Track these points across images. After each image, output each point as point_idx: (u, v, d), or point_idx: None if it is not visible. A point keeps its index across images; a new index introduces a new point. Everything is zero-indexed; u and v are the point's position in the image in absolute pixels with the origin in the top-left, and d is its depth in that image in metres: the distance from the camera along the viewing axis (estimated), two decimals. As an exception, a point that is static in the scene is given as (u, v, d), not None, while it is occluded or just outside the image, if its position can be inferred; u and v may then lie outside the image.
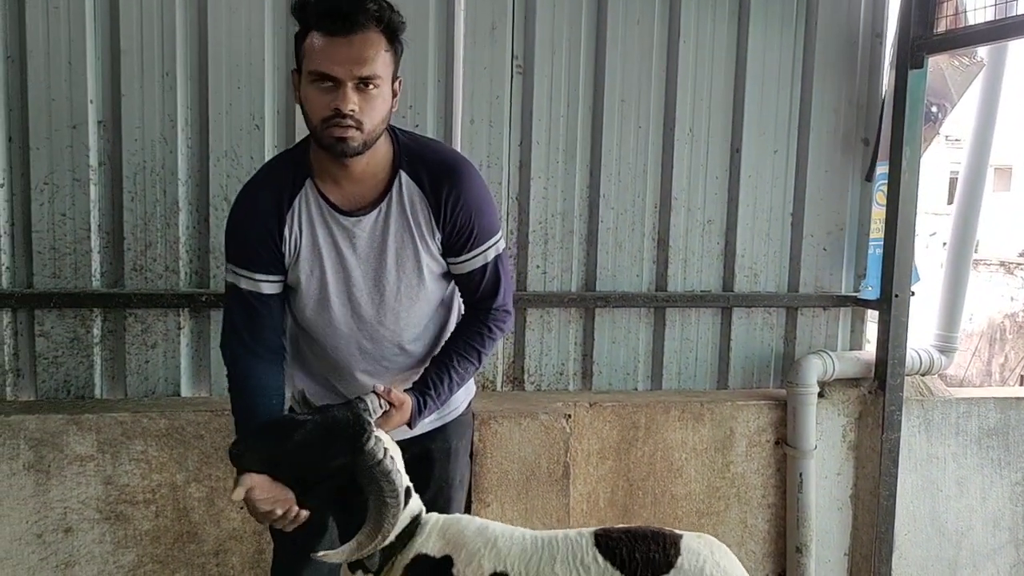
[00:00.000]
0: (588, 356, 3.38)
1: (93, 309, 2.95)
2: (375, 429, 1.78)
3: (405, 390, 2.00)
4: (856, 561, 3.55)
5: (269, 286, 2.03)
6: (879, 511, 3.39)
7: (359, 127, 1.84)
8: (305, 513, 1.83)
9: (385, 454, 1.74)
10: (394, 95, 1.93)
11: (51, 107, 2.85)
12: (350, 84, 1.81)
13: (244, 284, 2.02)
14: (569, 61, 3.23)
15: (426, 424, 2.13)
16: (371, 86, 1.84)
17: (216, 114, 2.97)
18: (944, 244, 3.81)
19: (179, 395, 3.03)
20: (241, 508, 2.92)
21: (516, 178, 3.25)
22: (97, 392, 2.98)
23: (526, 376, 3.33)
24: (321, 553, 1.76)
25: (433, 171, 2.01)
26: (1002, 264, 12.57)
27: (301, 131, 2.95)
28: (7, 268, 2.90)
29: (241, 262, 2.02)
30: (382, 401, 1.89)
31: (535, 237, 3.26)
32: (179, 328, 3.00)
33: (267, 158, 2.97)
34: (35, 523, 2.80)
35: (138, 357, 3.00)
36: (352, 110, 1.82)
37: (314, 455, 1.75)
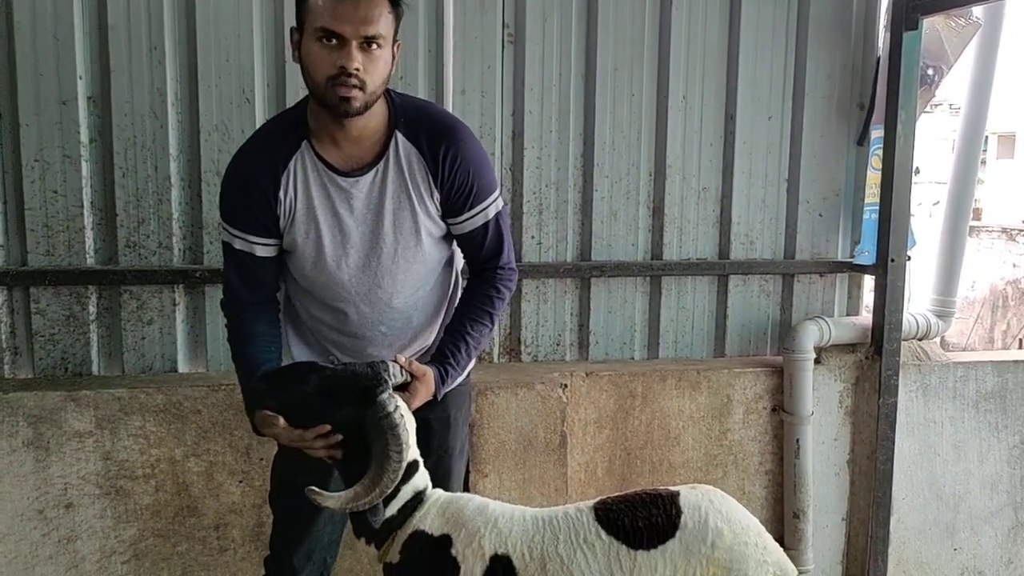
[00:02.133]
0: (584, 326, 3.38)
1: (88, 286, 2.95)
2: (392, 391, 1.78)
3: (424, 362, 2.01)
4: (853, 526, 3.57)
5: (263, 249, 2.04)
6: (876, 476, 3.40)
7: (362, 87, 1.86)
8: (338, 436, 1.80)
9: (396, 410, 1.74)
10: (393, 58, 1.95)
11: (39, 83, 2.83)
12: (355, 43, 1.83)
13: (238, 244, 2.04)
14: (561, 29, 3.20)
15: None
16: (375, 46, 1.86)
17: (206, 88, 2.95)
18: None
19: (176, 371, 3.03)
20: (241, 481, 2.94)
21: (509, 148, 3.23)
22: (94, 369, 2.99)
23: (522, 347, 3.33)
24: (316, 491, 1.74)
25: (430, 131, 2.02)
26: (1004, 231, 12.53)
27: (292, 103, 2.96)
28: (1, 246, 2.89)
29: (235, 223, 2.03)
30: (403, 371, 1.90)
31: (529, 207, 3.25)
32: (174, 304, 3.01)
33: (258, 132, 2.96)
34: (36, 499, 2.82)
35: (134, 334, 3.00)
36: (357, 69, 1.84)
37: (329, 402, 1.77)
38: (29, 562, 2.83)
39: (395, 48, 1.95)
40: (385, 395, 1.74)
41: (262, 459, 2.93)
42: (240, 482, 2.94)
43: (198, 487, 2.92)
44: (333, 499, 1.74)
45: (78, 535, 2.86)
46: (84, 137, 2.89)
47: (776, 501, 3.48)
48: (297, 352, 2.24)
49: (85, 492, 2.85)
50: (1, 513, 2.80)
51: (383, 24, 1.86)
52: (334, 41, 1.83)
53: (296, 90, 2.97)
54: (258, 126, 2.91)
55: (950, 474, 3.66)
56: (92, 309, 2.97)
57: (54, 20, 2.82)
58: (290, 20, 2.92)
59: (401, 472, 1.75)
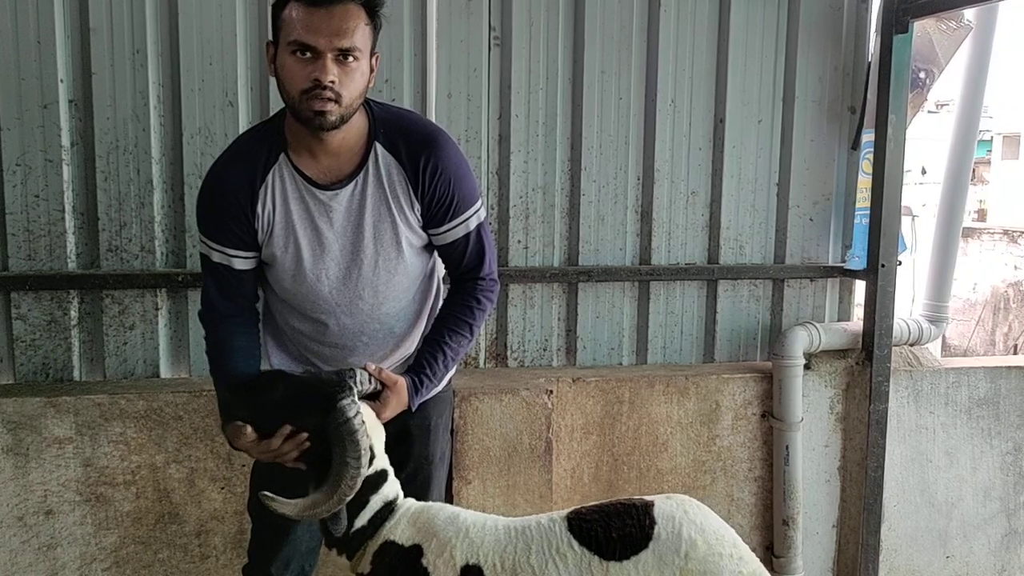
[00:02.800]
0: (572, 331, 3.36)
1: (69, 291, 2.93)
2: (357, 400, 1.75)
3: (397, 372, 1.98)
4: (844, 533, 3.54)
5: (241, 262, 2.03)
6: (867, 483, 3.37)
7: (337, 100, 1.83)
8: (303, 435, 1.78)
9: (356, 416, 1.71)
10: (371, 71, 1.92)
11: (21, 87, 2.82)
12: (330, 55, 1.80)
13: (216, 257, 2.02)
14: (547, 32, 3.17)
15: None
16: (351, 58, 1.83)
17: (188, 91, 2.93)
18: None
19: (159, 376, 3.01)
20: (223, 488, 2.92)
21: (495, 152, 3.21)
22: (76, 375, 2.97)
23: (509, 353, 3.31)
24: (270, 496, 1.71)
25: (410, 141, 1.99)
26: (1006, 233, 12.48)
27: (276, 107, 2.93)
28: (-19, 251, 2.88)
29: (213, 236, 2.01)
30: (372, 379, 1.88)
31: (516, 212, 3.23)
32: (156, 309, 2.99)
33: (241, 135, 2.94)
34: (15, 506, 2.80)
35: (116, 339, 2.98)
36: (332, 81, 1.81)
37: (292, 409, 1.76)
38: (9, 570, 2.81)
39: (373, 60, 1.92)
40: (346, 401, 1.71)
41: (244, 465, 2.90)
42: (222, 489, 2.92)
43: (179, 494, 2.90)
44: (289, 506, 1.72)
45: (58, 542, 2.84)
46: (66, 141, 2.88)
47: (766, 508, 3.45)
48: (277, 362, 2.21)
49: (65, 499, 2.83)
50: (-19, 519, 2.78)
51: (359, 36, 1.83)
52: (308, 54, 1.81)
53: (279, 95, 2.95)
54: (241, 129, 2.94)
55: (942, 481, 3.62)
56: (74, 314, 2.95)
57: (36, 23, 2.80)
58: (272, 23, 2.92)
59: (360, 479, 1.72)
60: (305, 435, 1.77)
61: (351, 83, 1.84)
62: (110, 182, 2.92)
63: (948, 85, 3.63)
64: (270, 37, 1.91)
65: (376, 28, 1.90)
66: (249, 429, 1.77)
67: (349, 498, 1.73)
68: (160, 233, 2.97)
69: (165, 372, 3.02)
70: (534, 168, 3.23)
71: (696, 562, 1.74)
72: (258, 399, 1.79)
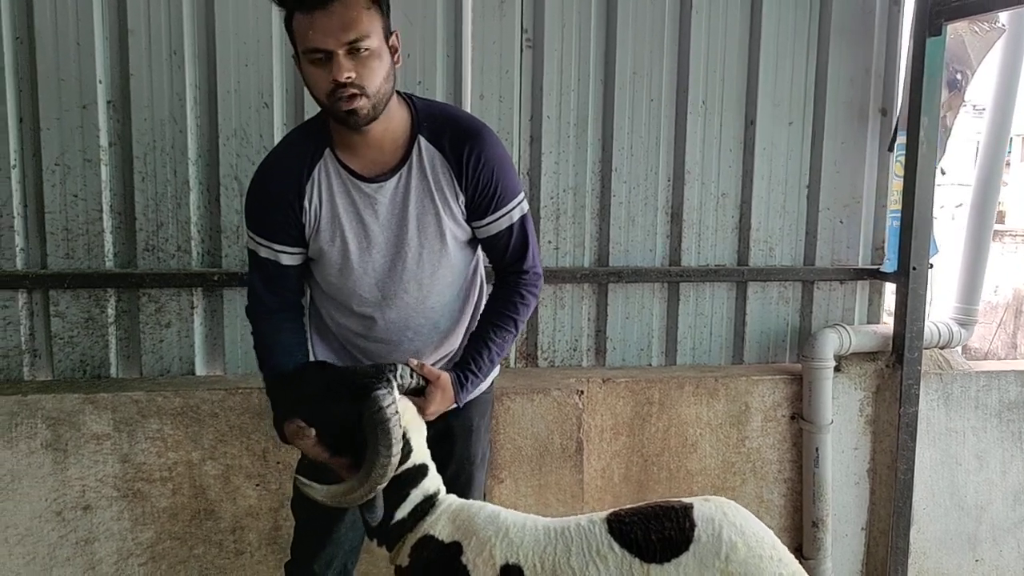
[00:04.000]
0: (601, 332, 3.37)
1: (107, 289, 2.97)
2: (395, 392, 1.77)
3: (442, 368, 2.01)
4: (873, 536, 3.53)
5: (288, 257, 2.05)
6: (897, 485, 3.36)
7: (363, 93, 1.84)
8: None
9: (389, 407, 1.72)
10: (394, 52, 1.92)
11: (60, 88, 2.86)
12: (341, 52, 1.81)
13: (263, 252, 2.04)
14: (579, 34, 3.19)
15: None
16: (363, 49, 1.83)
17: (225, 93, 2.96)
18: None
19: (193, 374, 3.05)
20: (258, 485, 2.95)
21: (527, 153, 3.22)
22: (112, 371, 3.01)
23: (539, 352, 3.32)
24: (304, 480, 1.74)
25: (453, 133, 2.02)
26: (1027, 234, 12.37)
27: (310, 109, 2.96)
28: (21, 249, 2.91)
29: (260, 232, 2.04)
30: (415, 374, 1.90)
31: (547, 212, 3.24)
32: (192, 307, 3.02)
33: (276, 137, 2.97)
34: (54, 501, 2.84)
35: (152, 336, 3.02)
36: (349, 77, 1.82)
37: (329, 398, 1.78)
38: (47, 563, 2.85)
39: (392, 40, 1.92)
40: (380, 392, 1.73)
41: (279, 463, 2.93)
42: (257, 486, 2.95)
43: (215, 490, 2.93)
44: (321, 491, 1.74)
45: (95, 537, 2.88)
46: (104, 141, 2.91)
47: (795, 510, 3.44)
48: (320, 353, 2.23)
49: (103, 494, 2.86)
50: (19, 514, 2.82)
51: (365, 24, 1.82)
52: (320, 56, 1.82)
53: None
54: (276, 131, 2.97)
55: (972, 484, 3.61)
56: (111, 312, 2.98)
57: (75, 25, 2.84)
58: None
59: (391, 469, 1.72)
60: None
61: (370, 72, 1.85)
62: (147, 182, 2.95)
63: (973, 88, 3.60)
64: (293, 52, 1.92)
65: (382, 8, 1.89)
66: (313, 432, 1.79)
67: (380, 487, 1.74)
68: (196, 233, 3.00)
69: (200, 370, 3.06)
70: (565, 169, 3.24)
71: (737, 564, 1.74)
72: (300, 390, 1.82)
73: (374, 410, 1.71)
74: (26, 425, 2.79)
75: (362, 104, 1.85)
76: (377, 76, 1.86)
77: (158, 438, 2.88)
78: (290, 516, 2.36)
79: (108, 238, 2.95)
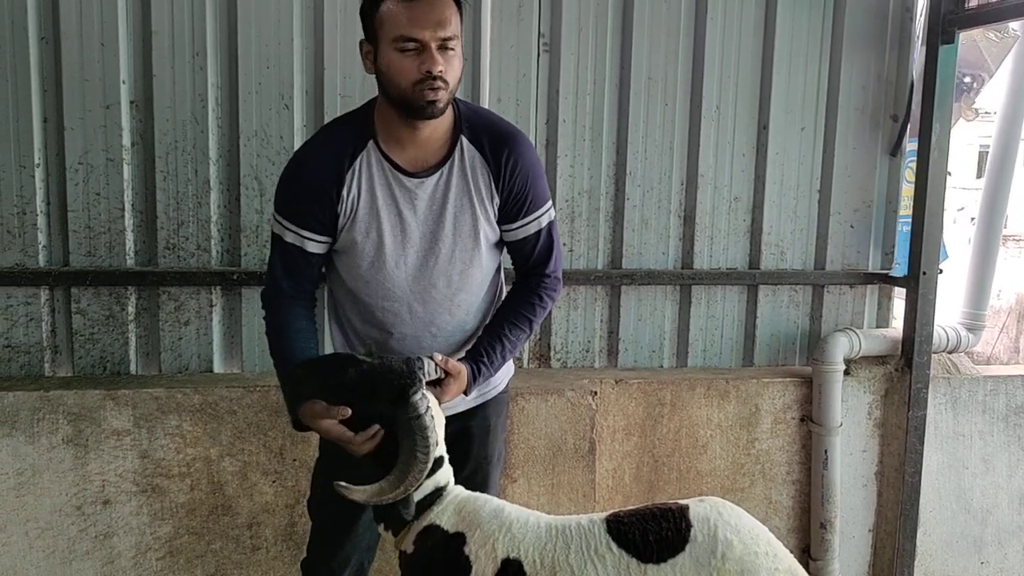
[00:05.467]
0: (614, 333, 3.40)
1: (127, 287, 3.00)
2: (425, 389, 1.82)
3: (459, 359, 2.04)
4: (880, 537, 3.57)
5: (315, 245, 2.07)
6: (904, 488, 3.40)
7: (446, 87, 1.91)
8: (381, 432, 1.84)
9: (427, 411, 1.77)
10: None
11: (84, 87, 2.89)
12: (434, 46, 1.87)
13: (289, 238, 2.06)
14: (595, 39, 3.22)
15: (468, 401, 2.17)
16: (451, 48, 1.90)
17: (246, 94, 2.99)
18: (972, 219, 3.77)
19: (212, 371, 3.08)
20: (275, 482, 2.98)
21: (542, 156, 3.25)
22: (132, 368, 3.04)
23: (552, 353, 3.36)
24: (344, 485, 1.77)
25: (493, 137, 2.07)
26: (1031, 239, 12.38)
27: (330, 110, 3.00)
28: (44, 247, 2.95)
29: (290, 216, 2.05)
30: (438, 368, 1.94)
31: (561, 215, 3.27)
32: (211, 306, 3.05)
33: (296, 137, 3.01)
34: (74, 495, 2.87)
35: (171, 334, 3.05)
36: (441, 71, 1.88)
37: (363, 395, 1.81)
38: (66, 557, 2.89)
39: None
40: (418, 396, 1.77)
41: (295, 460, 2.97)
42: (273, 482, 2.99)
43: (232, 486, 2.97)
44: (358, 492, 1.78)
45: (115, 531, 2.92)
46: (126, 141, 2.95)
47: (803, 511, 3.48)
48: (340, 346, 2.25)
49: (122, 489, 2.90)
50: (40, 508, 2.86)
51: (454, 24, 1.91)
52: (413, 46, 1.87)
53: (334, 97, 3.02)
54: (296, 132, 3.01)
55: (978, 488, 3.65)
56: (131, 309, 3.02)
57: (100, 26, 2.88)
58: (330, 29, 2.99)
59: (427, 471, 1.79)
60: (382, 433, 1.83)
61: (453, 70, 1.93)
62: (169, 182, 2.99)
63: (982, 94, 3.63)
64: (362, 37, 1.97)
65: (462, 16, 1.97)
66: (348, 411, 1.81)
67: (416, 488, 1.80)
68: (216, 232, 3.04)
69: (218, 367, 3.09)
70: (580, 172, 3.28)
71: (732, 562, 1.78)
72: (328, 380, 1.85)
73: (413, 416, 1.76)
74: (47, 420, 2.83)
75: (442, 96, 1.91)
76: (457, 73, 1.95)
77: (177, 434, 2.91)
78: (306, 513, 2.41)
79: (129, 236, 2.99)
